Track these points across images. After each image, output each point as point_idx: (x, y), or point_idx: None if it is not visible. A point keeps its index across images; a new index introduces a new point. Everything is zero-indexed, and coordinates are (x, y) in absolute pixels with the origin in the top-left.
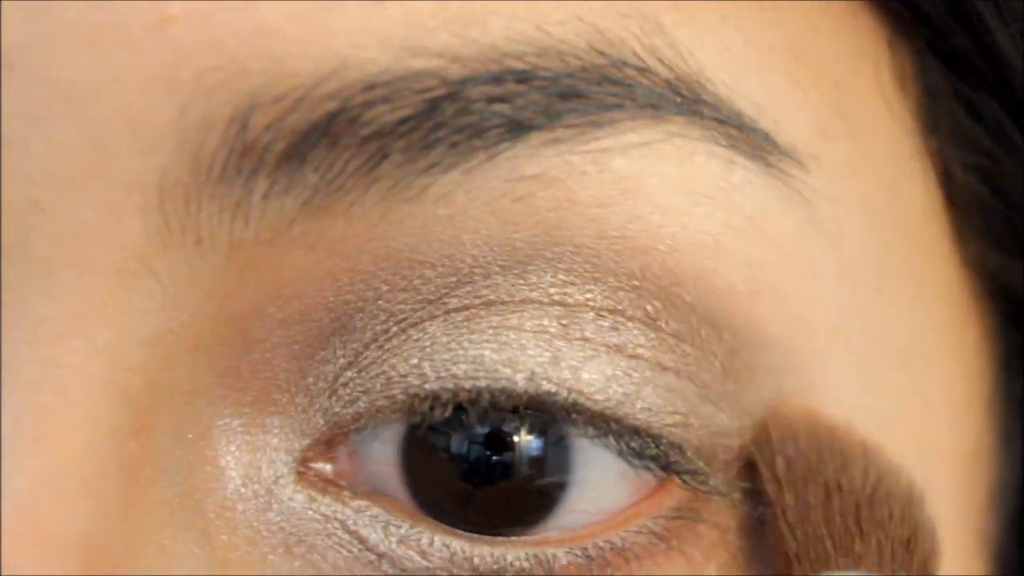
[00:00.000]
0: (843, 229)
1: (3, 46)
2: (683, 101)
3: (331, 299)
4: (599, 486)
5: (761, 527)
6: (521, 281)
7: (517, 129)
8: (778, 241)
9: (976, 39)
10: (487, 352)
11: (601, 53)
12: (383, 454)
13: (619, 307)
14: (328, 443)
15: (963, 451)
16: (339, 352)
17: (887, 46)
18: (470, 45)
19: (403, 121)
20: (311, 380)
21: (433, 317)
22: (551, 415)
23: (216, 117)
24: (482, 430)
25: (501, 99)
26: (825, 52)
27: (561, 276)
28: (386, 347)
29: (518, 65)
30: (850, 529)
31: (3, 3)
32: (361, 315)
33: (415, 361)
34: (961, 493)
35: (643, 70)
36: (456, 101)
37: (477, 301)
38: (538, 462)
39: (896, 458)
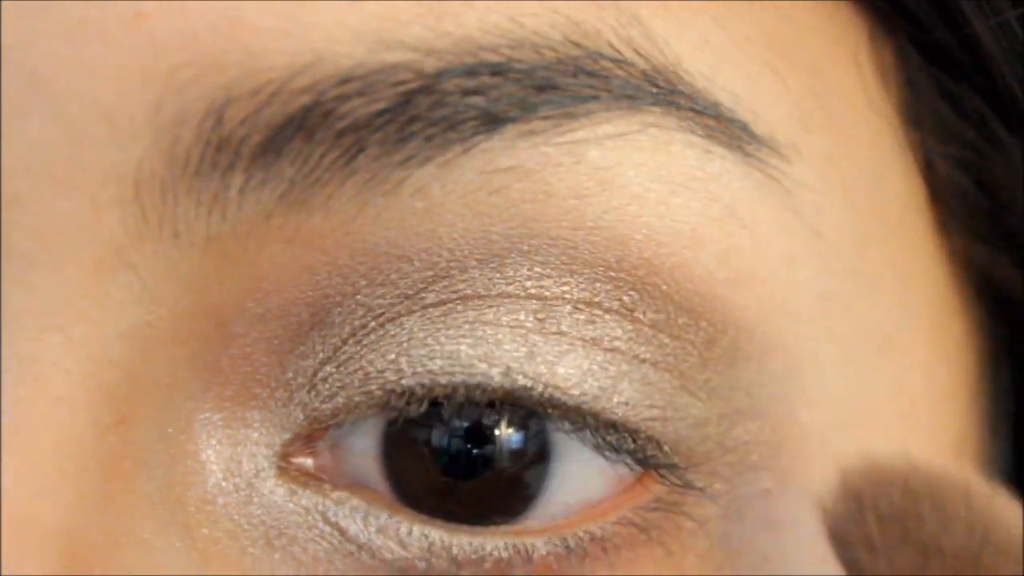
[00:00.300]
0: (824, 218)
1: None
2: (659, 92)
3: (310, 293)
4: (579, 478)
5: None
6: (498, 275)
7: (492, 122)
8: (756, 230)
9: (958, 33)
10: (463, 347)
11: (576, 45)
12: (364, 448)
13: (596, 299)
14: (308, 438)
15: (946, 443)
16: (318, 347)
17: (868, 39)
18: (444, 38)
19: (378, 114)
20: (291, 375)
21: (410, 312)
22: (528, 409)
23: (190, 111)
24: (462, 423)
25: (476, 91)
26: (804, 43)
27: (537, 269)
28: (364, 342)
29: (492, 58)
30: None
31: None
32: (339, 310)
33: (392, 356)
34: None
35: (619, 61)
36: (431, 94)
37: (454, 296)
38: (518, 455)
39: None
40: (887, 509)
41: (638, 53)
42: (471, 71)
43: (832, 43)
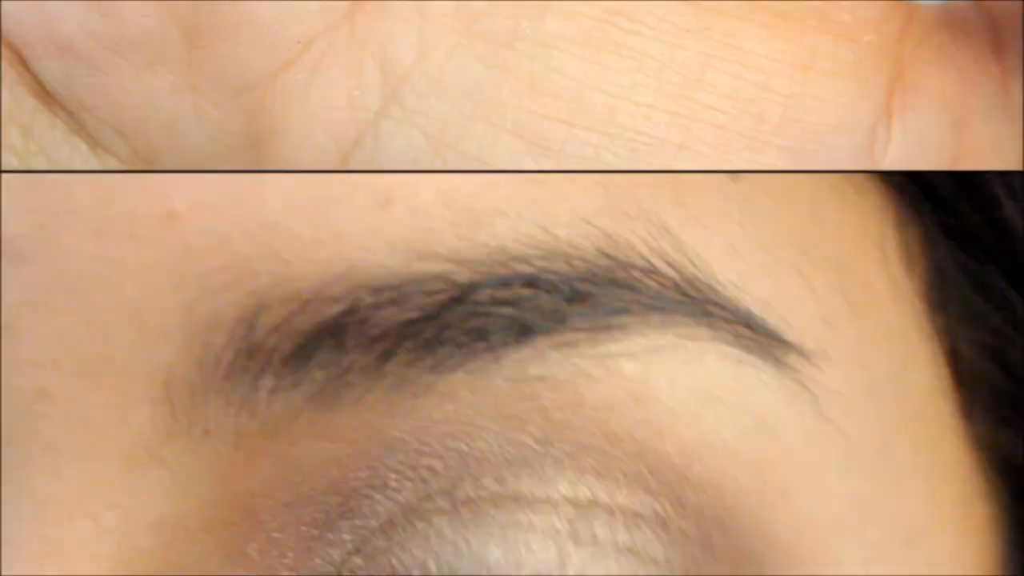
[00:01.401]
0: (851, 420)
1: (6, 235)
2: (691, 302)
3: (338, 483)
4: None
5: None
6: (530, 478)
7: (523, 332)
8: (787, 440)
9: (986, 214)
10: (492, 550)
11: (608, 256)
12: None
13: (630, 506)
14: None
15: None
16: (346, 536)
17: (894, 225)
18: (478, 249)
19: (411, 323)
20: (318, 562)
21: (440, 511)
22: None
23: (223, 317)
24: None
25: (508, 303)
26: (831, 240)
27: (571, 474)
28: (393, 538)
29: (525, 269)
30: None
31: (6, 194)
32: (368, 501)
33: (419, 555)
34: None
35: (650, 272)
36: (463, 304)
37: (484, 495)
38: None
39: None
40: None
41: (669, 264)
42: (504, 283)
43: (858, 234)
